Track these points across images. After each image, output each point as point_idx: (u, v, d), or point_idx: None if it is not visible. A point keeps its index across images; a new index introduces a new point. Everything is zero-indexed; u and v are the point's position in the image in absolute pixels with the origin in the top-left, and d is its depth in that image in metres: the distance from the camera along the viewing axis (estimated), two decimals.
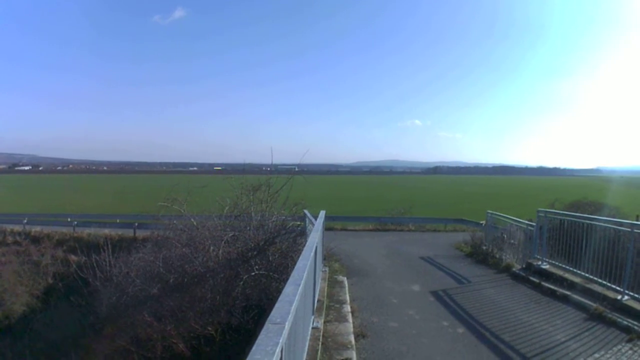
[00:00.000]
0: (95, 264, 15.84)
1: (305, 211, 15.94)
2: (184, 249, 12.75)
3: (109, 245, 16.93)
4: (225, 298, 11.20)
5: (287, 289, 4.15)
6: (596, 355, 7.95)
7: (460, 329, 9.63)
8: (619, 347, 8.17)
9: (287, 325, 3.22)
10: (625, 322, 9.01)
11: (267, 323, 3.17)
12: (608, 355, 7.89)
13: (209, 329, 10.71)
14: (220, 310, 10.99)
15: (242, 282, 11.35)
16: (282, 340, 2.95)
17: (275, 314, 3.38)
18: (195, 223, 14.21)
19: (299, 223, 15.40)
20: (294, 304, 3.71)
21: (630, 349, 8.04)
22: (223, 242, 12.57)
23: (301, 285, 4.39)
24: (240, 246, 12.59)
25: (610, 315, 9.50)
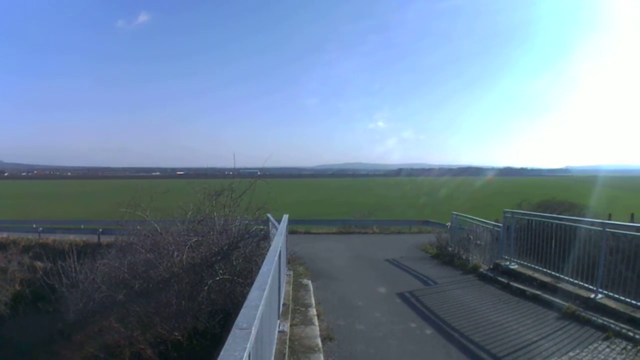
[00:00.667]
0: (61, 270, 15.63)
1: (269, 215, 15.65)
2: (148, 255, 12.60)
3: (74, 252, 16.71)
4: (190, 303, 11.10)
5: (252, 293, 4.11)
6: (571, 353, 7.85)
7: (429, 330, 9.50)
8: (595, 345, 8.08)
9: (254, 330, 3.21)
10: (600, 321, 8.93)
11: (233, 328, 3.15)
12: (584, 354, 7.79)
13: (176, 334, 10.61)
14: (186, 315, 10.89)
15: (206, 287, 11.27)
16: (249, 345, 2.93)
17: (241, 319, 3.35)
18: (158, 228, 14.05)
19: (262, 227, 15.30)
20: (260, 309, 3.67)
21: (608, 346, 7.94)
22: (187, 247, 12.47)
23: (266, 290, 4.35)
24: (204, 251, 12.47)
25: (583, 314, 9.43)
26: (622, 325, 8.50)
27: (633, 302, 8.98)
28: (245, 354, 2.78)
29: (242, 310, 3.55)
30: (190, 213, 15.04)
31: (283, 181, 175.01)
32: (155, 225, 14.35)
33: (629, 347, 7.77)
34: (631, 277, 9.11)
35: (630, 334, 8.16)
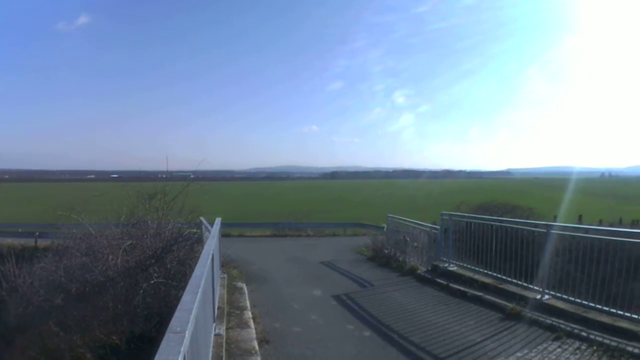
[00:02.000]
0: (0, 275, 15.23)
1: (202, 218, 15.77)
2: (83, 258, 12.29)
3: (13, 255, 16.24)
4: (126, 307, 10.86)
5: (186, 297, 4.04)
6: (518, 354, 7.71)
7: (367, 332, 9.35)
8: (545, 345, 7.96)
9: (188, 334, 3.10)
10: (549, 321, 8.84)
11: (167, 332, 3.04)
12: (533, 354, 7.64)
13: (114, 338, 10.37)
14: (123, 319, 10.64)
15: (142, 291, 11.07)
16: (183, 349, 2.83)
17: (174, 323, 3.25)
18: (93, 232, 13.71)
19: (195, 230, 15.14)
20: (193, 312, 3.57)
21: (559, 347, 7.81)
22: (121, 250, 12.20)
23: (199, 293, 4.26)
24: (139, 255, 12.23)
25: (530, 315, 9.34)
26: (574, 326, 8.41)
27: (584, 302, 8.94)
28: (180, 358, 2.69)
29: (176, 314, 3.46)
30: (124, 216, 14.69)
31: (216, 184, 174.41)
32: (90, 228, 14.03)
33: (583, 347, 7.66)
34: (581, 277, 9.12)
35: (584, 334, 8.06)
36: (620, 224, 38.84)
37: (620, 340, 7.55)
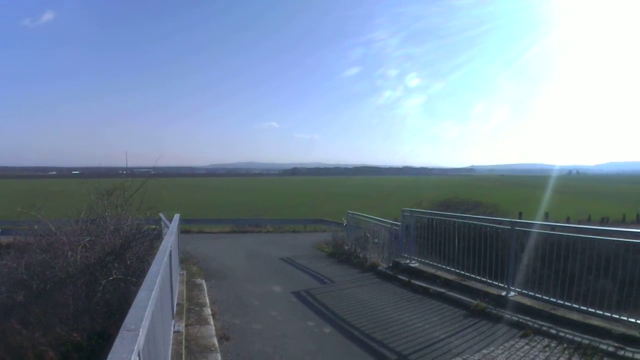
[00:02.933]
0: None
1: (161, 214, 15.69)
2: (44, 255, 12.06)
3: None
4: (87, 304, 10.63)
5: (141, 294, 3.95)
6: (484, 351, 7.61)
7: (327, 329, 9.24)
8: (512, 342, 7.86)
9: (142, 331, 3.04)
10: (515, 318, 8.77)
11: (121, 330, 2.98)
12: (499, 351, 7.54)
13: (75, 335, 10.16)
14: (84, 316, 10.40)
15: (101, 288, 10.87)
16: (137, 346, 2.78)
17: (129, 320, 3.18)
18: (53, 228, 13.48)
19: (154, 227, 14.94)
20: (148, 309, 3.52)
21: (527, 344, 7.70)
22: (80, 247, 11.97)
23: (155, 290, 4.16)
24: (98, 251, 12.00)
25: (495, 312, 9.27)
26: (542, 323, 8.32)
27: (552, 299, 8.87)
28: (134, 356, 2.64)
29: (130, 311, 3.39)
30: (83, 213, 14.44)
31: (176, 180, 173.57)
32: (50, 225, 13.81)
33: (552, 345, 7.56)
34: (548, 274, 9.07)
35: (553, 331, 7.97)
36: (590, 221, 39.35)
37: (592, 338, 7.46)
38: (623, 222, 43.17)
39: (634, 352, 6.80)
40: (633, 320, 7.47)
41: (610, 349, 7.04)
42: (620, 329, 7.43)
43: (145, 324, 3.20)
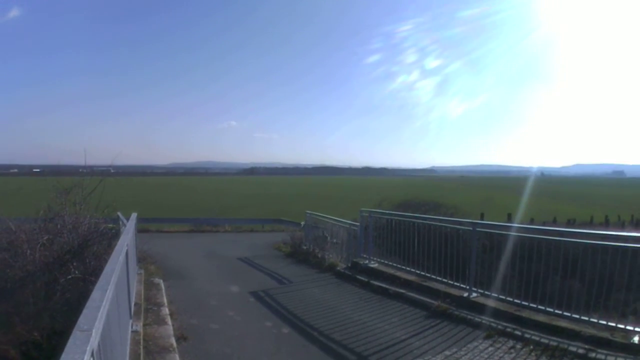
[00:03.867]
0: None
1: (119, 213, 15.59)
2: (3, 253, 11.73)
3: None
4: (46, 303, 10.38)
5: (95, 294, 3.81)
6: (447, 352, 7.45)
7: (285, 329, 9.12)
8: (475, 344, 7.72)
9: (95, 332, 2.96)
10: (478, 319, 8.64)
11: (74, 330, 2.87)
12: (462, 353, 7.39)
13: (35, 334, 9.97)
14: (43, 315, 10.17)
15: (60, 287, 10.65)
16: (90, 347, 2.69)
17: (82, 320, 3.07)
18: (13, 227, 13.22)
19: (111, 226, 14.63)
20: (102, 309, 3.43)
21: (491, 345, 7.57)
22: (39, 245, 11.71)
23: (110, 290, 4.11)
24: (57, 250, 11.76)
25: (457, 313, 9.13)
26: (506, 324, 8.20)
27: (516, 301, 8.78)
28: (87, 356, 2.56)
29: (84, 312, 3.25)
30: (42, 211, 14.11)
31: (135, 179, 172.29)
32: (10, 223, 13.56)
33: (518, 346, 7.43)
34: (512, 275, 9.01)
35: (518, 332, 7.85)
36: (555, 222, 39.68)
37: (560, 339, 7.33)
38: (591, 224, 43.68)
39: (606, 355, 6.69)
40: (604, 322, 7.39)
41: (581, 350, 6.92)
42: (590, 331, 7.34)
43: (98, 324, 3.11)
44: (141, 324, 8.15)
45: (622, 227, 39.78)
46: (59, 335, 10.02)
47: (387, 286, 11.52)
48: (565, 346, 7.09)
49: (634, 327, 7.02)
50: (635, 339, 6.80)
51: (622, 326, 7.14)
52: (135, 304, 8.75)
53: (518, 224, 17.90)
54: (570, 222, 41.56)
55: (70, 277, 10.89)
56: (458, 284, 10.17)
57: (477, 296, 9.57)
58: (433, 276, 10.96)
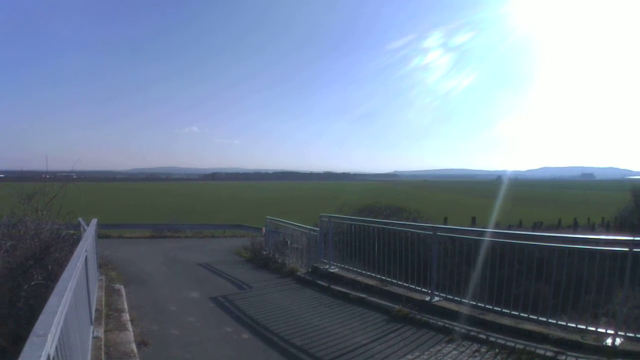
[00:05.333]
0: None
1: (80, 219, 15.43)
2: None
3: None
4: (11, 309, 10.19)
5: (52, 300, 3.71)
6: (409, 356, 7.28)
7: (245, 335, 8.98)
8: (438, 347, 7.53)
9: (51, 337, 2.91)
10: (440, 323, 8.49)
11: (31, 336, 2.84)
12: (425, 357, 7.21)
13: (0, 340, 9.80)
14: (8, 321, 9.99)
15: (24, 293, 10.45)
16: (45, 352, 2.67)
17: (38, 326, 3.01)
18: None
19: (73, 232, 14.49)
20: (58, 315, 3.33)
21: (455, 349, 7.39)
22: (2, 251, 11.56)
23: (67, 296, 4.01)
24: (20, 256, 11.50)
25: (419, 317, 8.96)
26: (470, 328, 8.03)
27: (479, 304, 8.65)
28: None
29: (40, 317, 3.18)
30: (4, 217, 13.97)
31: (97, 184, 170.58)
32: None
33: (483, 350, 7.28)
34: (476, 279, 8.92)
35: (482, 336, 7.70)
36: (521, 226, 39.78)
37: (527, 342, 7.15)
38: (559, 226, 43.82)
39: (577, 357, 6.56)
40: (574, 324, 7.29)
41: (549, 353, 6.76)
42: (559, 334, 7.21)
43: (54, 329, 3.04)
44: (102, 329, 8.04)
45: (592, 229, 40.08)
46: (25, 341, 9.87)
47: (347, 291, 11.35)
48: (533, 349, 6.94)
49: (606, 330, 6.91)
50: (608, 341, 6.68)
51: (593, 328, 7.03)
52: (96, 310, 8.68)
53: (482, 227, 17.98)
54: (537, 225, 41.65)
55: (33, 283, 10.74)
56: (420, 288, 10.02)
57: (439, 300, 9.42)
58: (394, 281, 10.81)
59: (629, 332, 6.78)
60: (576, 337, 7.00)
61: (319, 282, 12.68)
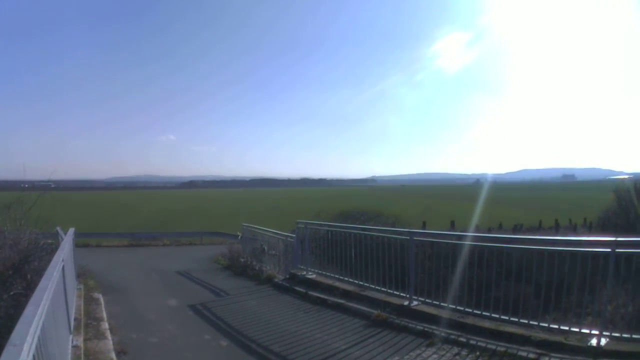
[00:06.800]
0: None
1: (58, 229, 15.67)
2: None
3: None
4: None
5: (28, 309, 3.70)
6: None
7: (224, 342, 8.85)
8: (418, 351, 7.39)
9: (27, 347, 2.90)
10: (420, 327, 8.36)
11: (7, 345, 2.82)
12: None
13: None
14: None
15: (4, 303, 10.27)
16: None
17: (14, 336, 3.01)
18: None
19: (51, 241, 14.39)
20: (34, 324, 3.35)
21: (435, 352, 7.25)
22: None
23: (44, 305, 4.00)
24: None
25: (397, 321, 8.83)
26: (450, 331, 7.90)
27: (459, 307, 8.57)
28: None
29: (17, 327, 3.21)
30: None
31: (76, 194, 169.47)
32: None
33: (463, 353, 7.16)
34: (454, 283, 8.79)
35: (463, 339, 7.58)
36: (501, 228, 39.66)
37: (509, 345, 7.05)
38: (540, 228, 43.59)
39: (560, 358, 6.48)
40: (556, 326, 7.20)
41: (532, 355, 6.67)
42: (541, 335, 7.10)
43: (31, 339, 3.06)
44: (82, 338, 8.03)
45: (574, 230, 40.04)
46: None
47: (325, 297, 11.23)
48: (515, 351, 6.83)
49: (591, 330, 6.83)
50: (593, 341, 6.58)
51: (576, 329, 6.94)
52: (75, 319, 8.70)
53: (461, 231, 17.95)
54: (518, 228, 41.46)
55: (12, 293, 10.62)
56: (398, 293, 9.93)
57: (418, 304, 9.32)
58: (372, 286, 10.69)
59: (615, 332, 6.69)
60: (559, 339, 6.91)
61: (297, 288, 12.53)
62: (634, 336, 6.53)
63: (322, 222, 15.22)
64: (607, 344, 6.57)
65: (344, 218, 21.16)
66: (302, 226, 13.74)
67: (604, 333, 6.69)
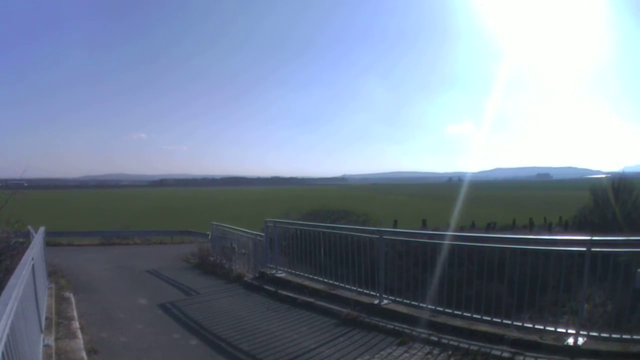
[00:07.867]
0: None
1: (30, 228, 15.66)
2: None
3: None
4: None
5: None
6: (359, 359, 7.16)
7: (194, 341, 8.76)
8: (389, 350, 7.30)
9: None
10: (390, 326, 8.26)
11: None
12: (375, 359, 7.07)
13: None
14: None
15: None
16: None
17: None
18: None
19: (22, 240, 14.18)
20: (2, 324, 3.27)
21: (406, 351, 7.16)
22: None
23: (13, 304, 3.94)
24: None
25: (368, 320, 8.73)
26: (422, 330, 7.80)
27: (430, 306, 8.46)
28: None
29: None
30: None
31: (47, 192, 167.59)
32: None
33: (435, 352, 7.06)
34: (425, 281, 8.70)
35: (434, 338, 7.48)
36: (474, 227, 39.66)
37: (482, 344, 6.96)
38: (514, 227, 43.66)
39: (535, 358, 6.40)
40: (531, 325, 7.13)
41: (506, 354, 6.59)
42: (516, 334, 7.03)
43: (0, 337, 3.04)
44: (53, 338, 7.94)
45: (548, 229, 40.13)
46: None
47: (295, 295, 11.11)
48: (488, 350, 6.74)
49: (567, 329, 6.78)
50: (570, 340, 6.53)
51: (552, 328, 6.88)
52: (46, 318, 8.60)
53: (432, 229, 18.02)
54: (491, 226, 41.47)
55: None
56: (368, 292, 9.84)
57: (388, 303, 9.22)
58: (342, 284, 10.61)
59: (593, 332, 6.63)
60: (534, 338, 6.83)
61: (267, 287, 12.42)
62: (613, 335, 6.47)
63: (291, 221, 15.14)
64: (585, 343, 6.51)
65: (314, 217, 21.08)
66: (271, 225, 13.62)
67: (582, 332, 6.62)
